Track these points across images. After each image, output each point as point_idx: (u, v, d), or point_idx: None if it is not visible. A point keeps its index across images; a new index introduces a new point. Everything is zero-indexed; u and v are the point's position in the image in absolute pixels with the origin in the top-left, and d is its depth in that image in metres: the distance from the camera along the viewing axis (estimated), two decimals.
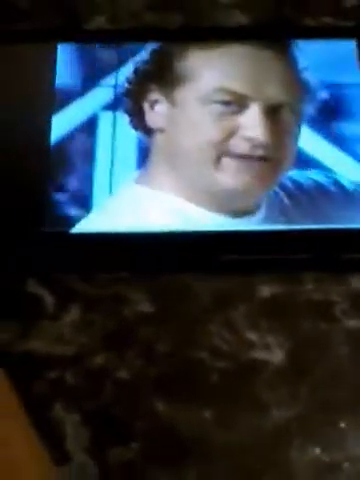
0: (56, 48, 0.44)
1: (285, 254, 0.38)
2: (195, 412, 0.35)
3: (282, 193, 0.37)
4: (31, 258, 0.38)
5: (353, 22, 0.47)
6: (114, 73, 0.42)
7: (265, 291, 0.38)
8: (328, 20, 0.47)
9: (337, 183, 0.37)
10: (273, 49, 0.40)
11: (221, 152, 0.37)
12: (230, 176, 0.37)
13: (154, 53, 0.41)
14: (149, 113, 0.39)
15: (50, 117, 0.41)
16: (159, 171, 0.39)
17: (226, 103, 0.38)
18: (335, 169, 0.38)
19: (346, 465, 0.34)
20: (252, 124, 0.37)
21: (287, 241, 0.38)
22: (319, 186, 0.37)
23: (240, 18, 0.47)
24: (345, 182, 0.37)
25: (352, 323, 0.37)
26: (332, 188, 0.37)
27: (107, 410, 0.35)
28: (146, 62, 0.41)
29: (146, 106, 0.39)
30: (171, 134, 0.38)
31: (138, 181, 0.39)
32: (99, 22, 0.46)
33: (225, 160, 0.37)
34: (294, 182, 0.38)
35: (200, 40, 0.43)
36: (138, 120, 0.39)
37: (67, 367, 0.36)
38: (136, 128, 0.39)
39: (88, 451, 0.34)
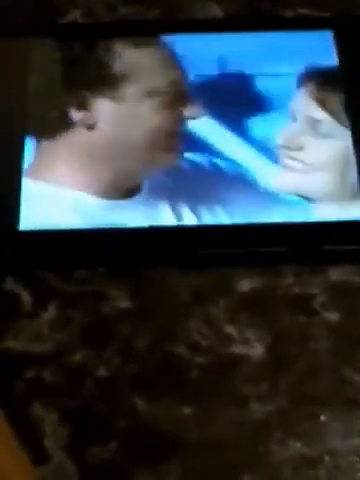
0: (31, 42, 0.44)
1: (264, 247, 0.38)
2: (175, 408, 0.35)
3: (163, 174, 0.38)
4: (8, 256, 0.38)
5: (330, 13, 0.46)
6: None
7: (244, 285, 0.38)
8: (306, 11, 0.47)
9: (216, 164, 0.38)
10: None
11: (170, 135, 0.39)
12: (177, 154, 0.38)
13: (80, 52, 0.42)
14: (76, 113, 0.39)
15: (25, 114, 0.41)
16: (59, 165, 0.38)
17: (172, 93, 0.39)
18: (221, 150, 0.38)
19: (327, 459, 0.34)
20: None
21: (266, 234, 0.38)
22: (197, 166, 0.38)
23: (217, 11, 0.46)
24: (223, 164, 0.38)
25: (331, 316, 0.37)
26: (209, 168, 0.38)
27: (86, 408, 0.35)
28: (73, 63, 0.41)
29: (72, 107, 0.39)
30: (110, 128, 0.39)
31: (29, 175, 0.39)
32: (74, 16, 0.46)
33: (173, 141, 0.38)
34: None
35: (177, 33, 0.44)
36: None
37: (45, 365, 0.35)
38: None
39: (67, 450, 0.34)
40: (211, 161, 0.37)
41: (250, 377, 0.36)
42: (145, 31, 0.44)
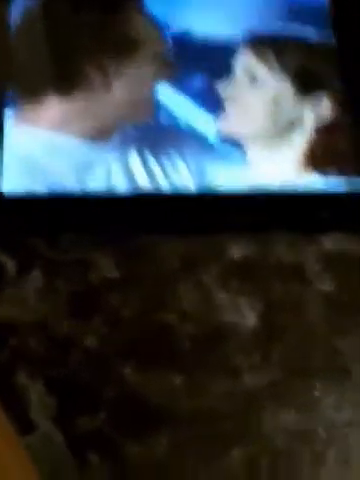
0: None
1: (257, 214, 0.37)
2: (164, 378, 0.34)
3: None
4: None
5: None
6: None
7: (236, 252, 0.37)
8: None
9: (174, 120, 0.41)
10: None
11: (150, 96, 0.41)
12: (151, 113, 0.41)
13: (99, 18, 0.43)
14: (96, 74, 0.41)
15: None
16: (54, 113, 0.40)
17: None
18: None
19: (320, 430, 0.33)
20: None
21: (259, 201, 0.37)
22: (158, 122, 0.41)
23: None
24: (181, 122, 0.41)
25: (324, 285, 0.36)
26: (168, 123, 0.41)
27: (73, 378, 0.34)
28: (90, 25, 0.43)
29: (92, 68, 0.41)
30: (119, 90, 0.41)
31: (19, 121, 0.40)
32: None
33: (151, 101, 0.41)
34: None
35: None
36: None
37: (31, 334, 0.34)
38: None
39: (54, 420, 0.33)
40: (169, 118, 0.40)
41: (242, 347, 0.35)
42: None
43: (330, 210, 0.37)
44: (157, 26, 0.42)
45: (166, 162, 0.39)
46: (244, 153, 0.39)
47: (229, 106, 0.40)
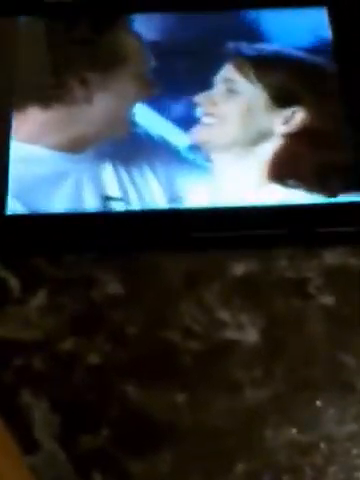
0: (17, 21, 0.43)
1: (258, 230, 0.37)
2: (167, 395, 0.34)
3: None
4: None
5: None
6: None
7: (238, 269, 0.37)
8: None
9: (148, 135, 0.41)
10: None
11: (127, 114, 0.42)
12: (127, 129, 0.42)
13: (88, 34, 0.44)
14: (78, 88, 0.42)
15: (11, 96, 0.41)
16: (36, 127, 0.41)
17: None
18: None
19: (322, 445, 0.33)
20: None
21: (260, 217, 0.37)
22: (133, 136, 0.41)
23: None
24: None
25: (326, 300, 0.36)
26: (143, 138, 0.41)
27: (77, 396, 0.34)
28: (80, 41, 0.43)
29: (75, 82, 0.42)
30: (99, 104, 0.41)
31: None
32: None
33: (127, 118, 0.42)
34: None
35: (165, 11, 0.44)
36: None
37: (35, 353, 0.35)
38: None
39: (58, 439, 0.33)
40: (145, 133, 0.41)
41: (244, 363, 0.35)
42: (131, 10, 0.44)
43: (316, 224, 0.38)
44: (142, 45, 0.43)
45: (138, 176, 0.39)
46: (214, 164, 0.39)
47: (205, 117, 0.41)
